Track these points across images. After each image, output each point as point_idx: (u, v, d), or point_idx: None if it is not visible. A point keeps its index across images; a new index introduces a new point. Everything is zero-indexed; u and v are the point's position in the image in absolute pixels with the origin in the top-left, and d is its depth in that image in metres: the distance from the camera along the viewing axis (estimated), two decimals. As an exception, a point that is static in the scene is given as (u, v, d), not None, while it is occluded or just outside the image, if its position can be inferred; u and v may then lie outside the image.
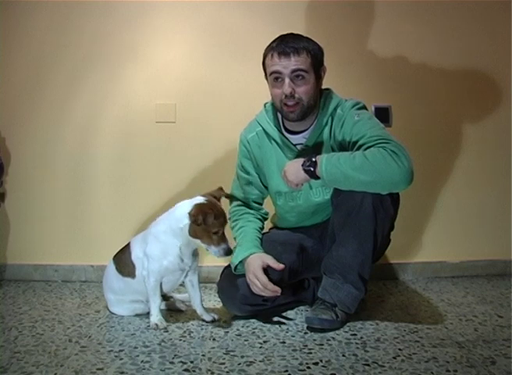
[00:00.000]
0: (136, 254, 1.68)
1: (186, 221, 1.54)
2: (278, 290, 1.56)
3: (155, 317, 1.62)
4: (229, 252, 1.56)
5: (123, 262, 1.71)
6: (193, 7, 2.27)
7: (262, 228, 1.82)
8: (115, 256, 1.78)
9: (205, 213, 1.50)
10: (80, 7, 2.25)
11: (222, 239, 1.56)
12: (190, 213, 1.51)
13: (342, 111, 1.65)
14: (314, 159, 1.50)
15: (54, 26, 2.27)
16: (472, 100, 2.35)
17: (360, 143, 1.52)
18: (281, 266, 1.60)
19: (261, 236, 1.77)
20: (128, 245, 1.74)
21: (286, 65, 1.56)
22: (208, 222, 1.50)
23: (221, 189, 1.70)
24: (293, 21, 2.23)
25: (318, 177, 1.50)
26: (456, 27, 2.33)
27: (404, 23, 2.30)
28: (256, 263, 1.60)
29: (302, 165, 1.52)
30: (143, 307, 1.73)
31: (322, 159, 1.49)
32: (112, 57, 2.27)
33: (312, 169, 1.50)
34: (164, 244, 1.61)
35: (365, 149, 1.48)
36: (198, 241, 1.57)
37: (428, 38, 2.31)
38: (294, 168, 1.55)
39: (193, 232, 1.55)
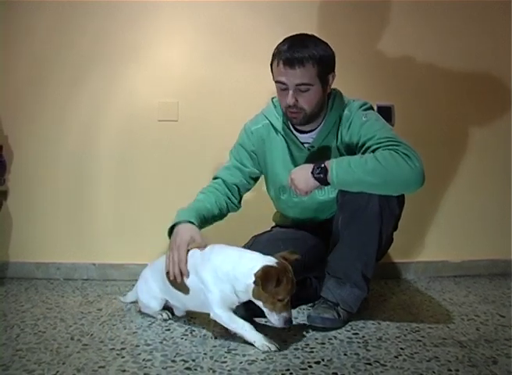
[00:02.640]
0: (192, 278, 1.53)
1: (251, 280, 1.38)
2: (184, 273, 1.50)
3: (259, 341, 1.41)
4: (289, 322, 1.40)
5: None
6: (194, 7, 2.27)
7: (218, 214, 1.75)
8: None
9: (274, 279, 1.35)
10: (83, 7, 2.26)
11: (286, 307, 1.39)
12: (255, 274, 1.37)
13: (349, 111, 1.64)
14: (323, 165, 1.49)
15: (56, 26, 2.27)
16: (473, 100, 2.35)
17: (368, 144, 1.52)
18: (203, 245, 1.55)
19: (207, 217, 1.70)
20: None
21: (291, 77, 1.54)
22: (272, 288, 1.35)
23: (294, 253, 1.52)
24: (294, 21, 2.23)
25: (328, 183, 1.49)
26: (456, 28, 2.33)
27: (406, 24, 2.30)
28: (184, 236, 1.55)
29: (312, 172, 1.50)
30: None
31: (332, 165, 1.47)
32: (115, 56, 2.28)
33: (323, 175, 1.48)
34: (221, 282, 1.46)
35: (374, 150, 1.48)
36: (260, 303, 1.41)
37: (429, 38, 2.31)
38: (303, 175, 1.53)
39: (257, 294, 1.39)
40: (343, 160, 1.49)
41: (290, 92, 1.56)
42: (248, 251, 1.54)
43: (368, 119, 1.59)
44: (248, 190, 1.87)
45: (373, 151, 1.48)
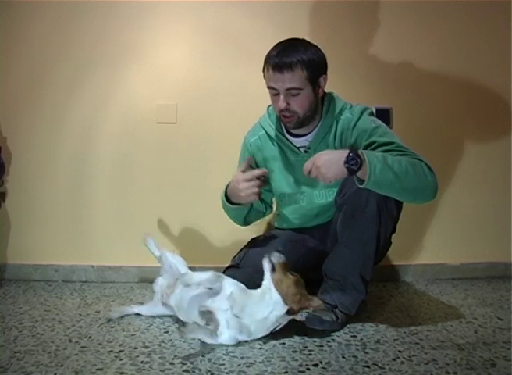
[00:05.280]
0: None
1: None
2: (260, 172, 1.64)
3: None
4: None
5: None
6: (194, 8, 2.28)
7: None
8: None
9: None
10: (83, 8, 2.26)
11: None
12: None
13: (351, 114, 1.65)
14: (357, 157, 1.38)
15: (56, 26, 2.27)
16: (472, 103, 2.35)
17: (387, 148, 1.50)
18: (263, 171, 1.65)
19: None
20: None
21: (280, 82, 1.56)
22: None
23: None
24: (293, 22, 2.24)
25: (355, 174, 1.40)
26: (456, 30, 2.33)
27: (405, 25, 2.31)
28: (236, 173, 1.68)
29: (345, 162, 1.39)
30: None
31: (368, 157, 1.38)
32: (114, 58, 2.28)
33: (356, 168, 1.38)
34: None
35: (395, 156, 1.47)
36: None
37: (429, 40, 2.32)
38: (334, 164, 1.41)
39: None
40: (377, 154, 1.42)
41: (281, 97, 1.58)
42: None
43: (377, 125, 1.60)
44: (272, 195, 1.89)
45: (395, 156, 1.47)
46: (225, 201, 1.75)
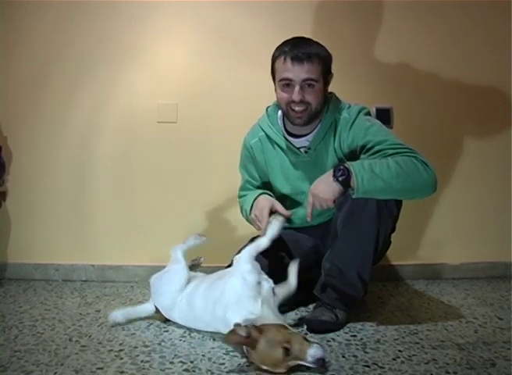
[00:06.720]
0: None
1: None
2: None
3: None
4: None
5: None
6: (195, 8, 2.28)
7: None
8: None
9: None
10: (84, 8, 2.26)
11: None
12: None
13: (349, 115, 1.65)
14: (342, 167, 1.46)
15: (57, 26, 2.28)
16: (472, 103, 2.35)
17: (380, 148, 1.52)
18: (287, 213, 1.64)
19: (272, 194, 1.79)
20: None
21: (298, 73, 1.56)
22: None
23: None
24: (293, 22, 2.25)
25: (349, 186, 1.45)
26: (455, 31, 2.33)
27: (405, 25, 2.31)
28: (266, 203, 1.65)
29: (334, 176, 1.47)
30: None
31: (355, 170, 1.43)
32: (115, 57, 2.28)
33: (345, 177, 1.44)
34: None
35: (389, 155, 1.48)
36: None
37: (429, 40, 2.32)
38: (325, 184, 1.49)
39: None
40: (363, 163, 1.46)
41: (297, 88, 1.57)
42: None
43: (372, 123, 1.60)
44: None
45: (387, 156, 1.48)
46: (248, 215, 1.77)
